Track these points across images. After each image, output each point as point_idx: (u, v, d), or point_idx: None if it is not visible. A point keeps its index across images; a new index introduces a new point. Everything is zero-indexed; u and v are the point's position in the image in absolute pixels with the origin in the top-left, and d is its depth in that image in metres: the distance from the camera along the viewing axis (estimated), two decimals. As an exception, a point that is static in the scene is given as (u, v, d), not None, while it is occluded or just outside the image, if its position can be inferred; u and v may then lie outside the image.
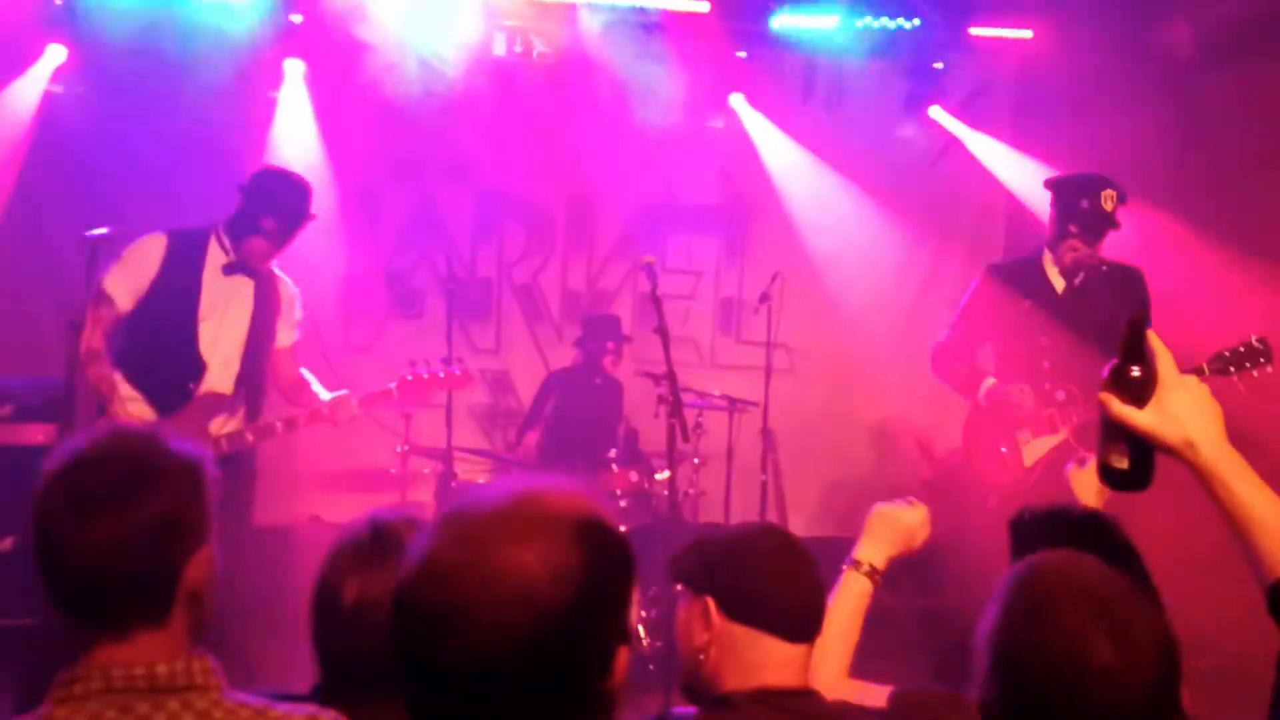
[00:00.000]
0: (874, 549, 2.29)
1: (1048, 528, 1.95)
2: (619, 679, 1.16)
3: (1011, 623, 1.38)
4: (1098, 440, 1.60)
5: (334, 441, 6.31)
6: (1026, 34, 6.34)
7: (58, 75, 5.88)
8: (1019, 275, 4.80)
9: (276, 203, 4.26)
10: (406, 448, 5.71)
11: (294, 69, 6.16)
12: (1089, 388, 4.64)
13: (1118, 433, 1.57)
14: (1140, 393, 1.56)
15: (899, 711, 2.04)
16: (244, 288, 4.34)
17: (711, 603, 1.92)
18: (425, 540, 1.14)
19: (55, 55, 5.84)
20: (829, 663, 2.10)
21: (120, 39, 5.71)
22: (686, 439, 4.55)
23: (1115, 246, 4.77)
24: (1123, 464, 1.58)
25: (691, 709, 1.97)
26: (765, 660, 1.91)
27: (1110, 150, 5.39)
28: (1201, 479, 1.52)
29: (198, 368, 4.23)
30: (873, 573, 2.27)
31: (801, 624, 1.95)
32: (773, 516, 5.87)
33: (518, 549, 1.09)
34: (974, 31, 6.32)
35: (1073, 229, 4.59)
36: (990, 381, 4.74)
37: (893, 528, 2.33)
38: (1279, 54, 5.20)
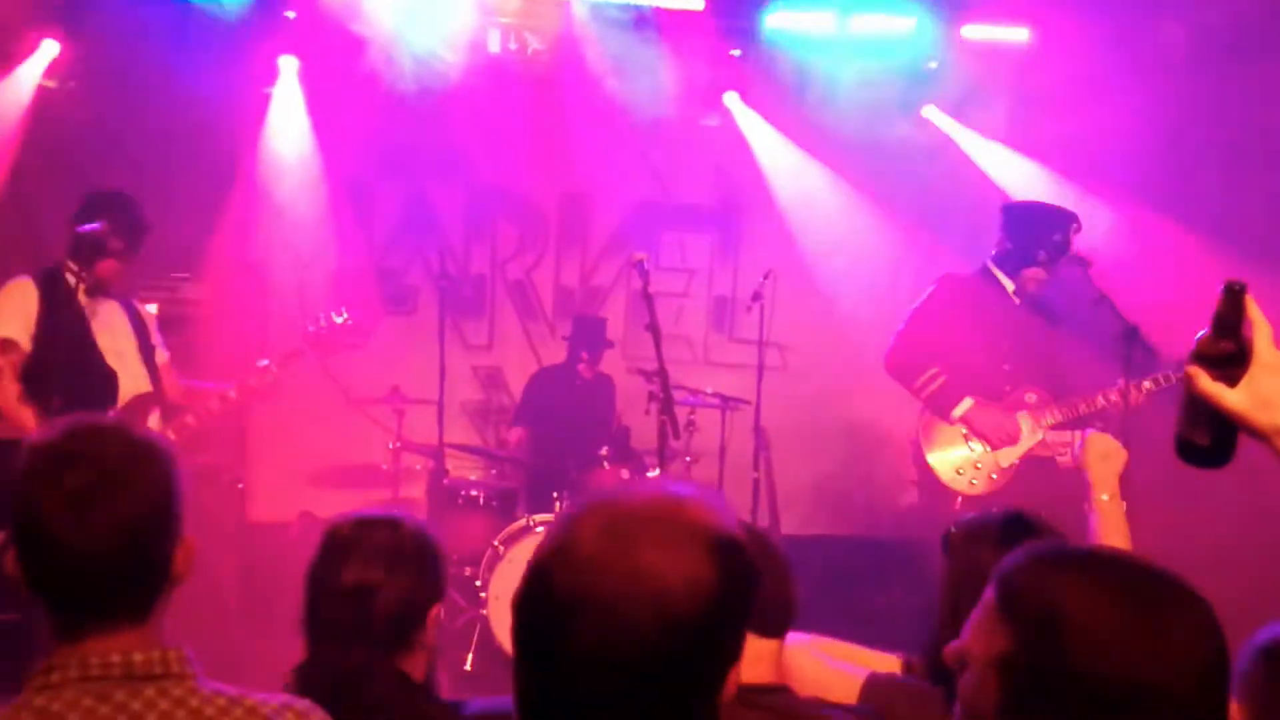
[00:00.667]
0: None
1: (977, 534, 1.99)
2: (725, 699, 1.18)
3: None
4: (1178, 413, 1.49)
5: (326, 438, 6.33)
6: (1021, 33, 6.35)
7: (51, 70, 5.87)
8: (975, 284, 4.87)
9: (116, 223, 4.33)
10: (398, 444, 5.71)
11: (288, 65, 6.15)
12: (1055, 390, 4.71)
13: (1201, 409, 1.45)
14: (1232, 369, 1.43)
15: (869, 701, 2.06)
16: (114, 308, 4.48)
17: None
18: (567, 527, 1.15)
19: (49, 50, 5.83)
20: None
21: (114, 34, 5.70)
22: (678, 436, 4.56)
23: (1113, 247, 4.81)
24: (1204, 441, 1.46)
25: None
26: (755, 655, 1.91)
27: (1105, 150, 5.40)
28: None
29: (111, 380, 4.35)
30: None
31: (775, 618, 1.98)
32: (764, 514, 5.88)
33: (660, 553, 1.11)
34: (968, 31, 6.32)
35: (1041, 257, 4.67)
36: (969, 403, 4.73)
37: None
38: (1276, 51, 5.20)
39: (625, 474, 5.43)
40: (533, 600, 1.14)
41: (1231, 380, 1.43)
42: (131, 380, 4.41)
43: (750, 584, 1.18)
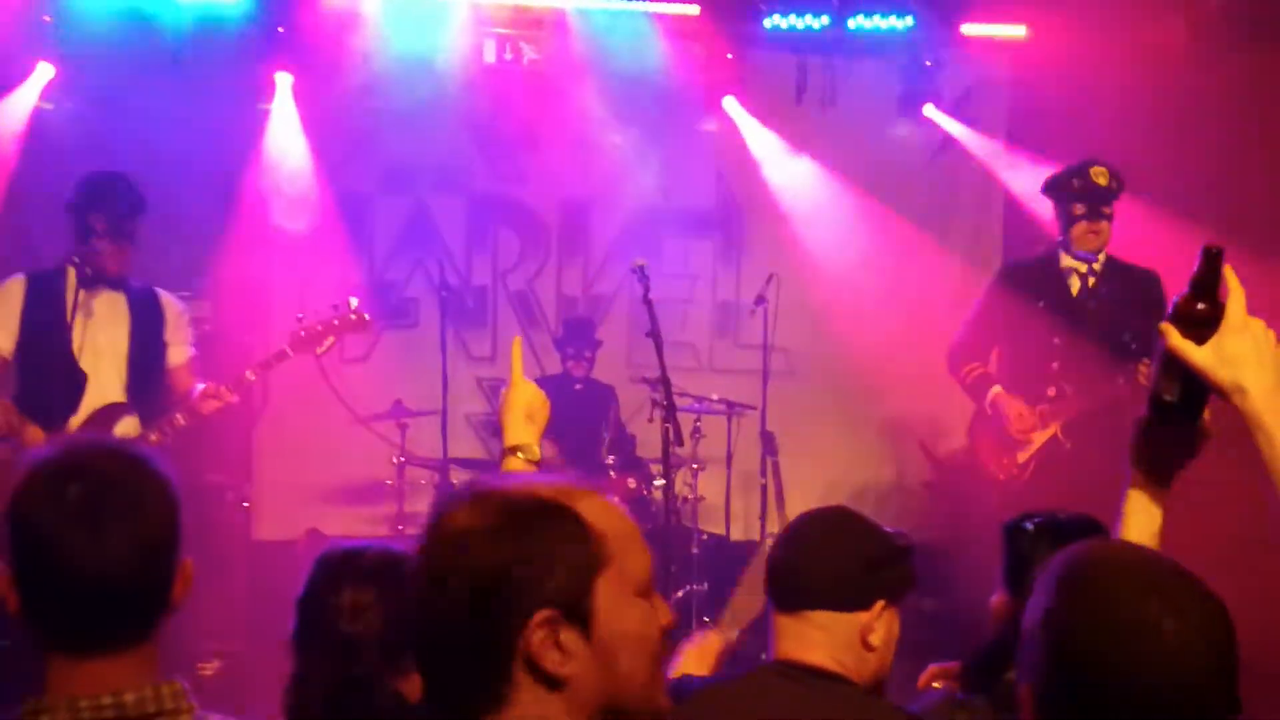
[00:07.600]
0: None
1: (1043, 533, 1.98)
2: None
3: (1066, 606, 1.31)
4: (1153, 372, 1.59)
5: (331, 455, 6.29)
6: (1020, 31, 6.32)
7: (47, 92, 5.86)
8: (1034, 275, 4.80)
9: (96, 201, 4.24)
10: (403, 459, 5.68)
11: (284, 81, 6.13)
12: (1083, 385, 4.65)
13: (1173, 366, 1.54)
14: (1202, 328, 1.52)
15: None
16: (115, 300, 4.32)
17: None
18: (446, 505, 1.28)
19: (44, 73, 5.82)
20: None
21: (109, 56, 5.69)
22: (681, 443, 4.53)
23: (1119, 245, 4.75)
24: (1172, 397, 1.55)
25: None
26: (779, 631, 1.95)
27: (1108, 148, 5.35)
28: (1249, 426, 1.49)
29: (77, 387, 4.21)
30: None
31: (786, 592, 1.95)
32: (773, 521, 5.83)
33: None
34: (967, 29, 6.30)
35: (1078, 210, 4.61)
36: (997, 389, 4.73)
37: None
38: (1277, 45, 5.16)
39: (632, 483, 5.40)
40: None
41: (1201, 339, 1.52)
42: (102, 387, 4.25)
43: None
